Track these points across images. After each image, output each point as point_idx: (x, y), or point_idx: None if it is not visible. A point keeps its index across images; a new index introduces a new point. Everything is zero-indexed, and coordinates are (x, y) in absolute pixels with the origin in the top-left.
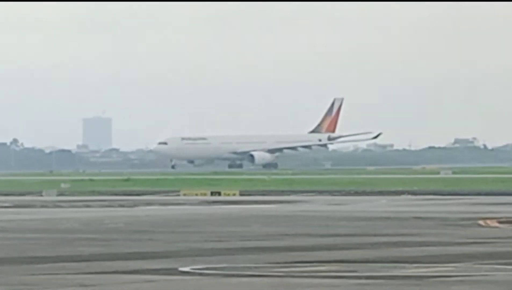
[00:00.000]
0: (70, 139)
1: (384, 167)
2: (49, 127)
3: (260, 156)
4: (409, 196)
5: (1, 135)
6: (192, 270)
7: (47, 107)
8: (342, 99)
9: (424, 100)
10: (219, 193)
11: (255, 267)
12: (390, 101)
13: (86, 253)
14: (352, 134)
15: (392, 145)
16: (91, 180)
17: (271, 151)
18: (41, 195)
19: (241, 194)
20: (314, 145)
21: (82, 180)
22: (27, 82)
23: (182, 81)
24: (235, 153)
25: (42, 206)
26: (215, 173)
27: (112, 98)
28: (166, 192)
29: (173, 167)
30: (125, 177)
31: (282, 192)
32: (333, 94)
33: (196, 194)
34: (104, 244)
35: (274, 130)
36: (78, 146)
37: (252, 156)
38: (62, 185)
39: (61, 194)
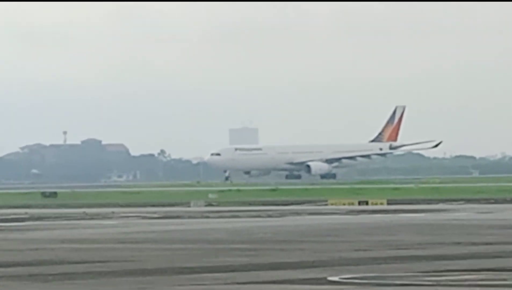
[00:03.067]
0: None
1: None
2: (195, 138)
3: (317, 166)
4: None
5: (149, 146)
6: (341, 280)
7: (194, 117)
8: (404, 107)
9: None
10: (366, 202)
11: (404, 276)
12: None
13: (235, 263)
14: (415, 142)
15: None
16: (238, 190)
17: (328, 161)
18: (189, 206)
19: (388, 203)
20: (374, 154)
21: (230, 190)
22: (171, 93)
23: (320, 90)
24: (291, 163)
25: (190, 217)
26: (361, 182)
27: (258, 108)
28: (313, 202)
29: (227, 178)
30: (273, 187)
31: (430, 201)
32: (395, 101)
33: (344, 204)
34: (253, 254)
35: (334, 139)
36: None
37: (308, 166)
38: (210, 196)
39: (208, 204)
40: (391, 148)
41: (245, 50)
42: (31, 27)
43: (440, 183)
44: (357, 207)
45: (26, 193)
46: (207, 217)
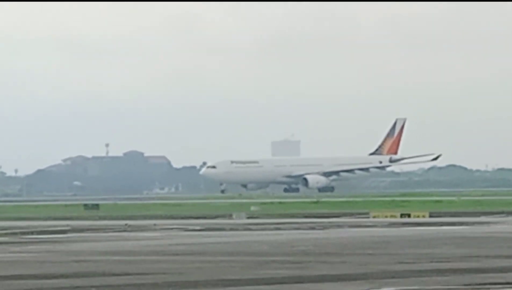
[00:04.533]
0: None
1: None
2: (238, 150)
3: (314, 180)
4: None
5: (191, 159)
6: None
7: (236, 129)
8: (404, 120)
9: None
10: (408, 215)
11: (446, 289)
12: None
13: (277, 276)
14: (415, 155)
15: None
16: (280, 202)
17: (326, 174)
18: (231, 218)
19: (430, 216)
20: (372, 167)
21: (272, 202)
22: (214, 105)
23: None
24: (289, 176)
25: (232, 229)
26: (404, 194)
27: (300, 121)
28: (355, 214)
29: (222, 191)
30: (315, 200)
31: (472, 214)
32: (396, 114)
33: (386, 216)
34: (295, 266)
35: (335, 152)
36: None
37: (305, 179)
38: (252, 208)
39: (250, 216)
40: (391, 161)
41: (290, 62)
42: (76, 39)
43: (482, 195)
44: (399, 220)
45: (68, 205)
46: (249, 229)
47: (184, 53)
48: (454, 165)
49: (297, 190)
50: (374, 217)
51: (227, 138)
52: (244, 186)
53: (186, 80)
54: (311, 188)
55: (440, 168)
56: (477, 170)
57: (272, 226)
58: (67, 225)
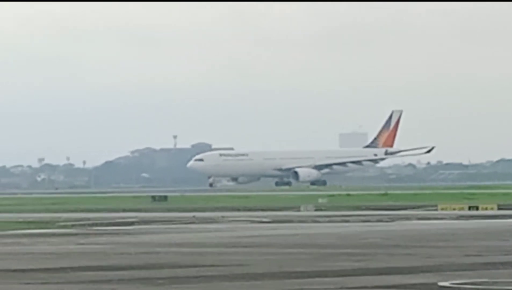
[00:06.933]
0: None
1: None
2: (305, 142)
3: (305, 173)
4: None
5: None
6: (451, 285)
7: (304, 121)
8: (401, 111)
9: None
10: (476, 208)
11: None
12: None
13: (345, 268)
14: (412, 148)
15: None
16: (348, 195)
17: (318, 167)
18: (299, 210)
19: (499, 208)
20: (366, 160)
21: (340, 195)
22: (281, 96)
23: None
24: (279, 169)
25: (300, 221)
26: (471, 187)
27: (368, 112)
28: (423, 207)
29: (211, 185)
30: (383, 192)
31: None
32: (391, 106)
33: (454, 209)
34: (363, 259)
35: (330, 145)
36: None
37: (296, 173)
38: (320, 200)
39: (318, 209)
40: (386, 153)
41: (355, 52)
42: (145, 29)
43: None
44: (467, 212)
45: (136, 197)
46: (317, 221)
47: (248, 44)
48: None
49: (289, 183)
50: (442, 209)
51: (294, 129)
52: (235, 179)
53: (252, 72)
54: (302, 181)
55: (509, 160)
56: None
57: (339, 218)
58: (135, 217)
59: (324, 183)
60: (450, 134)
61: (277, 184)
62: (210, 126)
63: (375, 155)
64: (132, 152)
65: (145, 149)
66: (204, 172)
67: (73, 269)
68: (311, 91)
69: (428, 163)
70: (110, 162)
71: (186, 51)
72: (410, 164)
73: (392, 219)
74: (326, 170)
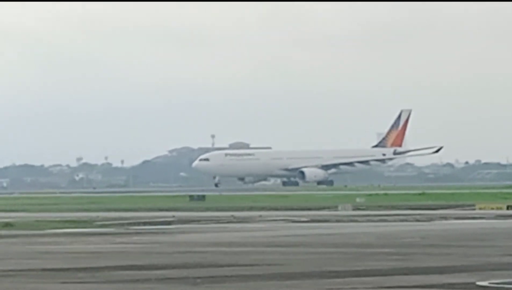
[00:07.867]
0: None
1: None
2: (342, 141)
3: (312, 173)
4: None
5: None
6: (490, 285)
7: (340, 121)
8: (410, 111)
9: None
10: None
11: None
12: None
13: (383, 268)
14: (420, 148)
15: None
16: (385, 194)
17: (325, 167)
18: (337, 210)
19: None
20: (374, 160)
21: (377, 194)
22: (319, 95)
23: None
24: (286, 169)
25: (338, 221)
26: (509, 186)
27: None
28: (461, 206)
29: (216, 185)
30: (420, 191)
31: None
32: (401, 105)
33: (492, 208)
34: (401, 258)
35: (337, 144)
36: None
37: (302, 172)
38: (357, 200)
39: (356, 208)
40: (395, 153)
41: (391, 51)
42: (185, 29)
43: None
44: (505, 212)
45: (174, 196)
46: (355, 221)
47: (287, 43)
48: None
49: (296, 183)
50: (479, 209)
51: (331, 128)
52: (241, 179)
53: (290, 71)
54: (308, 181)
55: None
56: None
57: (377, 218)
58: (173, 216)
59: (331, 183)
60: (490, 133)
61: (284, 184)
62: (248, 126)
63: (384, 154)
64: (170, 151)
65: (183, 148)
66: (209, 172)
67: (110, 268)
68: (349, 90)
69: (467, 162)
70: (148, 161)
71: (226, 51)
72: (448, 164)
73: (430, 218)
74: (333, 170)
